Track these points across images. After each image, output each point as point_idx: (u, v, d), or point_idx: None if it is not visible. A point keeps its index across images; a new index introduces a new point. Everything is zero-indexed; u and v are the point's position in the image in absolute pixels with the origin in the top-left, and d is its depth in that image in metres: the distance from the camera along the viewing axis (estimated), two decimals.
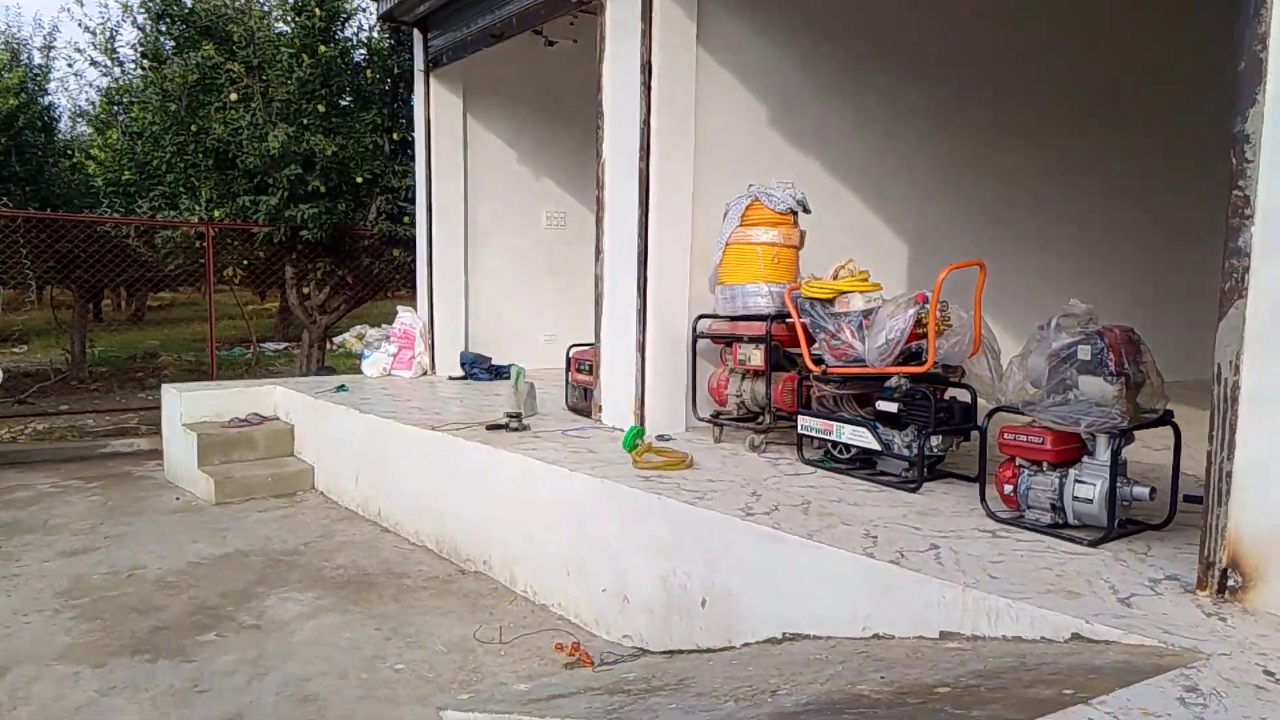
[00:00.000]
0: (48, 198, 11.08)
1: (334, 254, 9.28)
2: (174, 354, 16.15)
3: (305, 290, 10.18)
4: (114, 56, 9.36)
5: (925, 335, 3.86)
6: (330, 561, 5.10)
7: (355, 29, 9.82)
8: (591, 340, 5.73)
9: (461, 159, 7.81)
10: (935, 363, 3.81)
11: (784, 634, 3.21)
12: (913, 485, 3.86)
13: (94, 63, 9.70)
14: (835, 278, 4.23)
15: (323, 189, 8.49)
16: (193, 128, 8.24)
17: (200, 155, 8.30)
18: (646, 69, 4.89)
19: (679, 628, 3.64)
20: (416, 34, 7.64)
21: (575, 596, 4.19)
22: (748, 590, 3.37)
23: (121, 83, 9.33)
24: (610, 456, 4.54)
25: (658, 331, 5.05)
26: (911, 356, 3.95)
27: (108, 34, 9.18)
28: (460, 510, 5.01)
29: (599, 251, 5.39)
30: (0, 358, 13.89)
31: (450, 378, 7.75)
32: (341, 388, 7.01)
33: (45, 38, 15.92)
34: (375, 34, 9.31)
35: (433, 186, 7.69)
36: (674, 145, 5.01)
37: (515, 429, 5.24)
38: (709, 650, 3.48)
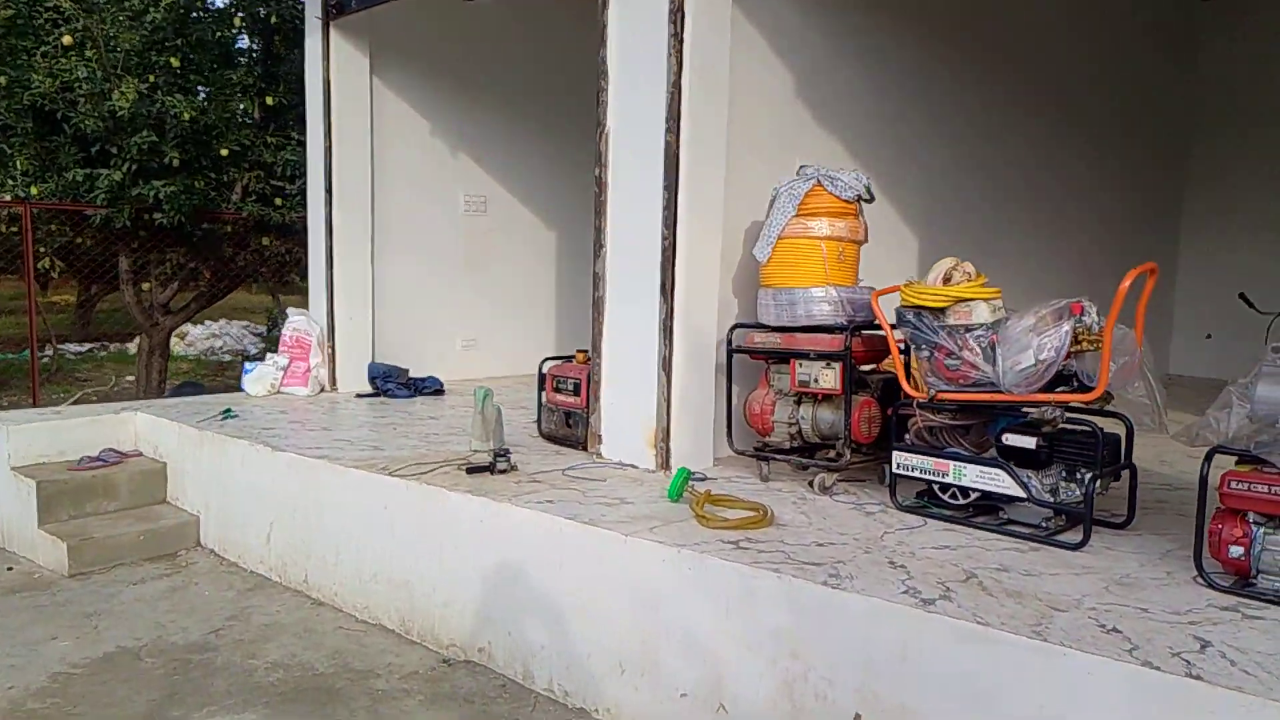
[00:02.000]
0: None
1: (187, 242, 7.62)
2: None
3: (145, 285, 8.40)
4: None
5: (1078, 354, 3.13)
6: (260, 658, 3.81)
7: None
8: (557, 353, 4.72)
9: (368, 130, 6.47)
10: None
11: None
12: (1075, 543, 3.12)
13: None
14: (946, 281, 3.43)
15: (178, 162, 6.87)
16: (1, 79, 6.41)
17: (13, 115, 6.48)
18: (678, 17, 3.89)
19: None
20: None
21: (636, 702, 3.19)
22: (940, 712, 2.50)
23: None
24: (656, 509, 3.56)
25: (686, 345, 4.08)
26: (1059, 380, 3.21)
27: None
28: (438, 581, 3.86)
29: (598, 245, 4.34)
30: None
31: (359, 395, 6.42)
32: (228, 412, 5.56)
33: None
34: None
35: (333, 162, 6.32)
36: (709, 114, 4.05)
37: (504, 469, 4.13)
38: None
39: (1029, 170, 6.48)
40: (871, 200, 3.99)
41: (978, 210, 5.97)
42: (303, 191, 7.61)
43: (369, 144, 6.48)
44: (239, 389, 6.43)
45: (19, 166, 6.65)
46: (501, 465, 4.13)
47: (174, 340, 17.16)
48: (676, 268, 4.01)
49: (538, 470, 4.21)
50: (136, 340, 8.66)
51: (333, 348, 6.48)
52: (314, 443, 4.84)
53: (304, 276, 8.99)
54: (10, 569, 4.86)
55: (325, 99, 6.26)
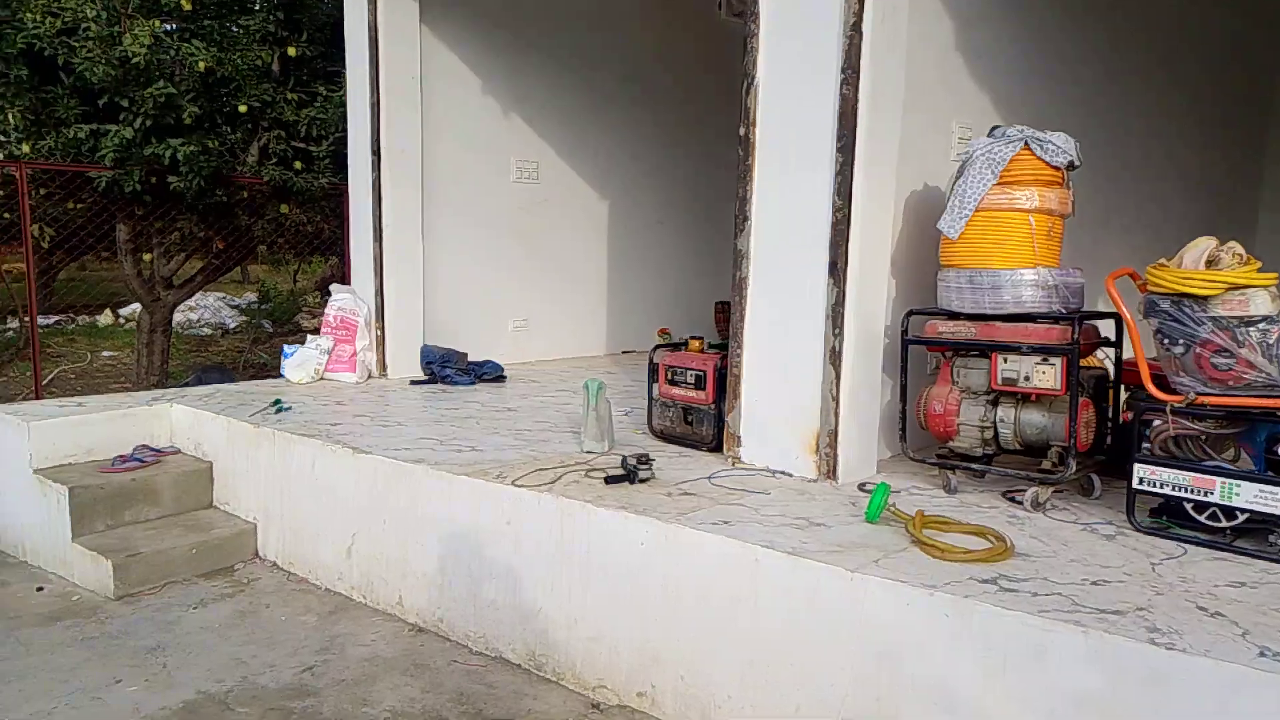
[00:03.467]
0: None
1: (198, 209, 6.84)
2: None
3: (146, 256, 7.61)
4: None
5: None
6: (374, 703, 3.22)
7: None
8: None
9: (418, 85, 5.76)
10: None
11: None
12: None
13: None
14: (1211, 264, 2.91)
15: (193, 119, 6.09)
16: None
17: (7, 62, 5.64)
18: None
19: None
20: None
21: None
22: None
23: None
24: (862, 535, 3.02)
25: (856, 334, 3.53)
26: None
27: None
28: (581, 611, 3.30)
29: (741, 218, 3.76)
30: None
31: (413, 381, 5.77)
32: (278, 403, 4.90)
33: None
34: None
35: (381, 120, 5.61)
36: (890, 63, 3.47)
37: (645, 479, 3.56)
38: None
39: (1160, 138, 6.00)
40: (1075, 168, 3.46)
41: (1119, 178, 5.48)
42: (332, 154, 6.88)
43: (419, 100, 5.77)
44: (278, 374, 5.74)
45: (11, 120, 5.83)
46: (644, 473, 3.55)
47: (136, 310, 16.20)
48: (850, 244, 3.44)
49: (678, 479, 3.65)
50: (141, 316, 7.86)
51: (382, 329, 5.81)
52: (394, 441, 4.21)
53: (323, 248, 8.27)
54: (41, 589, 4.18)
55: (372, 48, 5.53)
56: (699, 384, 4.13)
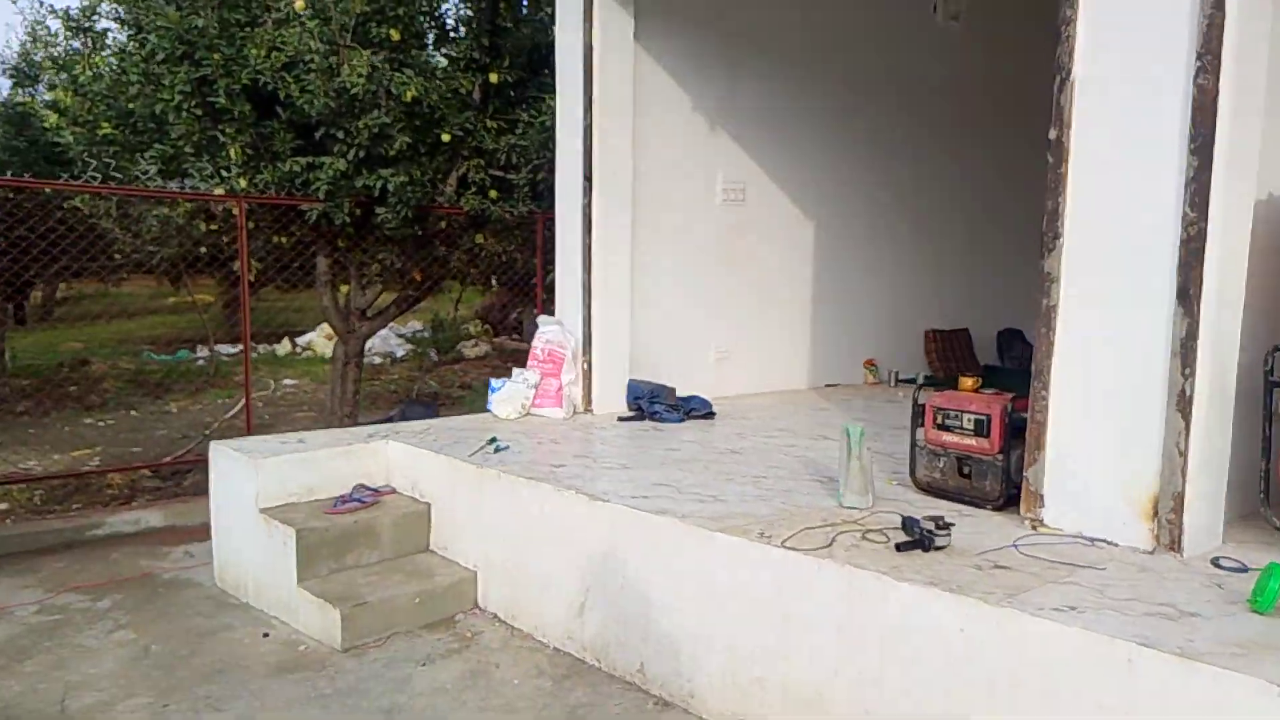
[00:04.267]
0: None
1: (399, 240, 6.80)
2: (105, 360, 13.19)
3: (344, 288, 7.66)
4: None
5: None
6: None
7: None
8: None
9: (630, 105, 5.48)
10: None
11: None
12: None
13: None
14: None
15: (404, 148, 6.03)
16: (216, 56, 5.66)
17: (230, 98, 5.73)
18: None
19: None
20: None
21: None
22: None
23: None
24: (1246, 630, 2.39)
25: (1211, 375, 2.89)
26: None
27: None
28: (877, 700, 2.78)
29: (1053, 234, 3.18)
30: None
31: (620, 418, 5.43)
32: (494, 441, 4.64)
33: None
34: None
35: (593, 144, 5.34)
36: (1255, 47, 2.85)
37: (942, 546, 3.02)
38: None
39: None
40: None
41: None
42: (530, 182, 6.71)
43: (631, 122, 5.48)
44: (487, 409, 5.52)
45: (233, 156, 5.93)
46: (941, 540, 3.02)
47: (321, 341, 16.84)
48: (1206, 265, 2.82)
49: (977, 546, 3.09)
50: (335, 348, 7.94)
51: (589, 362, 5.52)
52: (626, 487, 3.85)
53: (517, 279, 8.15)
54: (267, 635, 4.03)
55: (586, 69, 5.29)
56: (981, 430, 3.56)
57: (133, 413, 10.24)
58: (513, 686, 3.54)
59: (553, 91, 6.81)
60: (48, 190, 7.30)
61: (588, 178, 5.36)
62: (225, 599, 4.49)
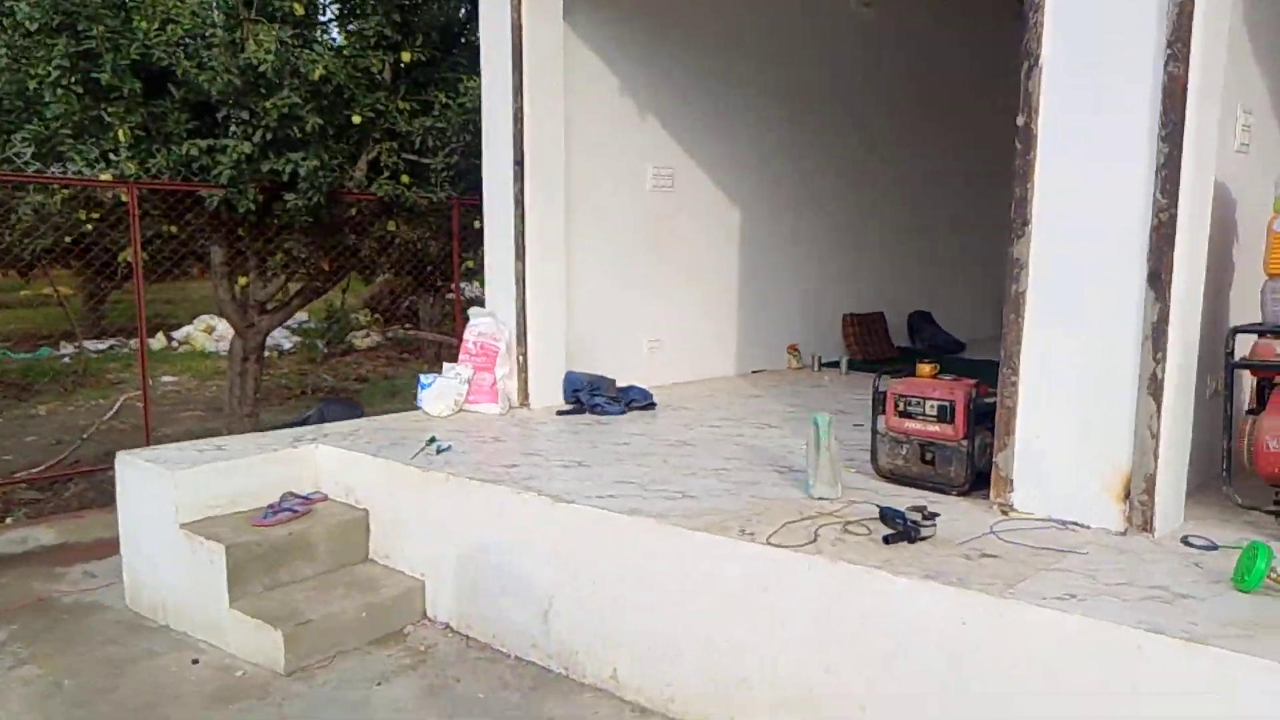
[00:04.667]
0: None
1: (305, 228, 6.38)
2: None
3: (242, 280, 7.16)
4: None
5: None
6: None
7: None
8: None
9: (561, 86, 5.27)
10: None
11: None
12: None
13: None
14: None
15: (313, 131, 5.64)
16: (99, 28, 5.13)
17: (117, 75, 5.21)
18: None
19: None
20: None
21: None
22: None
23: None
24: (1240, 610, 2.46)
25: (1180, 358, 2.96)
26: None
27: None
28: (869, 699, 2.74)
29: (1021, 220, 3.20)
30: None
31: (558, 412, 5.25)
32: (433, 441, 4.40)
33: None
34: None
35: (524, 127, 5.12)
36: (1217, 37, 2.92)
37: (928, 536, 3.01)
38: None
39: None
40: None
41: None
42: (447, 166, 6.41)
43: (562, 104, 5.28)
44: (416, 406, 5.24)
45: (121, 138, 5.40)
46: (926, 530, 3.00)
47: (200, 335, 15.86)
48: (1176, 250, 2.88)
49: (958, 534, 3.09)
50: (233, 342, 7.42)
51: (524, 354, 5.31)
52: (587, 486, 3.69)
53: (431, 268, 7.79)
54: (196, 661, 3.69)
55: (515, 47, 5.05)
56: (945, 416, 3.57)
57: None
58: (478, 701, 3.35)
59: (466, 71, 6.55)
60: None
61: (519, 162, 5.14)
62: (140, 623, 4.09)
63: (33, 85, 5.30)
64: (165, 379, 12.41)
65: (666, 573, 3.21)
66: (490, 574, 3.75)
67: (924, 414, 3.65)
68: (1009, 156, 3.21)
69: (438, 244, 7.18)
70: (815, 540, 3.01)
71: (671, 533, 3.19)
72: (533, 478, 3.82)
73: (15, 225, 6.49)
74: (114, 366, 12.93)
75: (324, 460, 4.41)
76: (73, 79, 5.27)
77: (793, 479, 3.81)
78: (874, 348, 7.61)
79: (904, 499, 3.51)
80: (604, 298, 5.80)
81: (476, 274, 8.45)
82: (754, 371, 6.90)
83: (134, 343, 14.74)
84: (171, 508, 3.91)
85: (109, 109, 5.41)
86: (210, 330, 15.88)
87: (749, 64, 6.50)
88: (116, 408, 9.44)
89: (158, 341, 15.09)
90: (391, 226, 6.82)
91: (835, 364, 7.11)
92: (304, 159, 5.44)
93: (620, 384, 5.58)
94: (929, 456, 3.65)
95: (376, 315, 16.88)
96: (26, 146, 5.42)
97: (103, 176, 5.52)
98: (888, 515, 3.14)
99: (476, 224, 7.33)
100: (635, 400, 5.37)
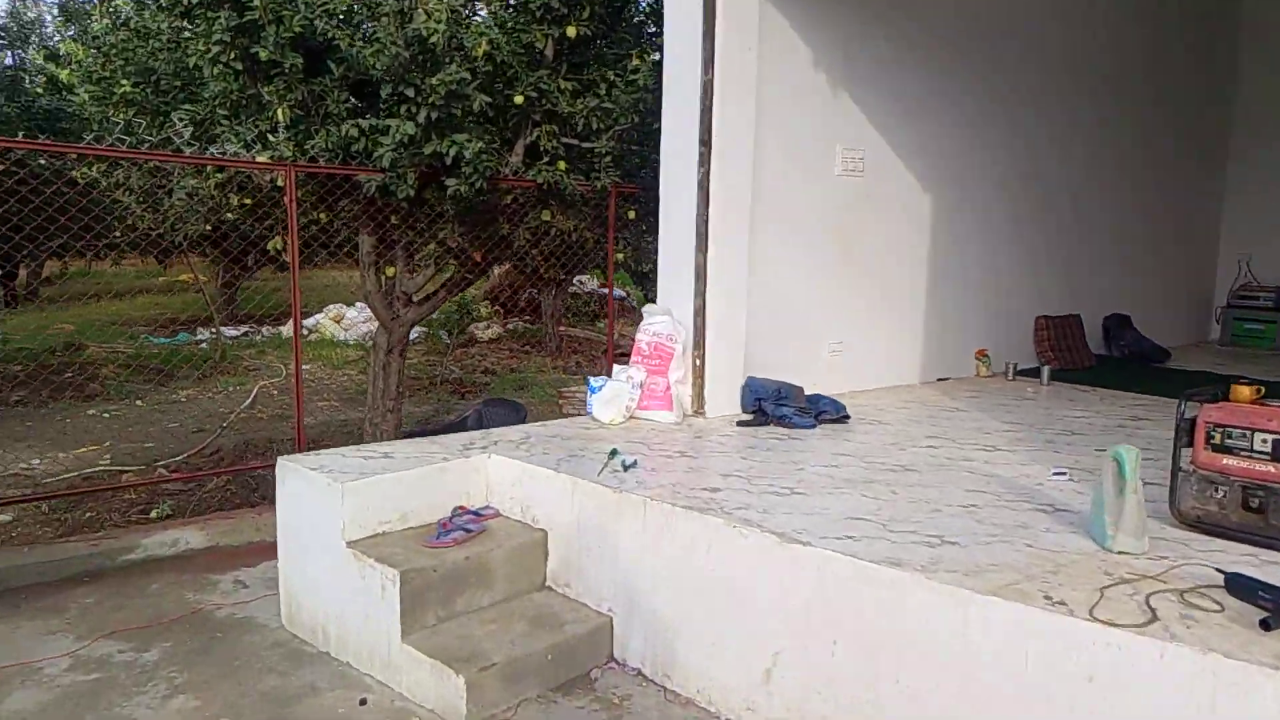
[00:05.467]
0: None
1: (461, 217, 5.98)
2: (100, 343, 12.27)
3: (389, 270, 6.84)
4: None
5: None
6: None
7: None
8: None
9: (755, 59, 4.68)
10: None
11: None
12: None
13: None
14: None
15: (481, 109, 5.21)
16: (261, 1, 4.81)
17: (280, 51, 4.88)
18: None
19: None
20: None
21: None
22: None
23: None
24: None
25: None
26: None
27: None
28: None
29: None
30: None
31: (738, 423, 4.68)
32: (615, 454, 3.89)
33: None
34: None
35: (713, 105, 4.55)
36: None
37: None
38: None
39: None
40: None
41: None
42: (612, 152, 5.91)
43: (755, 78, 4.69)
44: (583, 409, 4.76)
45: (281, 118, 5.10)
46: None
47: (329, 323, 15.96)
48: None
49: None
50: (378, 336, 7.13)
51: (700, 357, 4.76)
52: (810, 520, 3.11)
53: (585, 260, 7.33)
54: (364, 702, 3.27)
55: (707, 13, 4.48)
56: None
57: (138, 402, 9.43)
58: None
59: (631, 47, 6.03)
60: (72, 155, 6.43)
61: (705, 142, 4.57)
62: (299, 648, 3.72)
63: (191, 63, 5.03)
64: (303, 368, 12.44)
65: (933, 642, 2.59)
66: (696, 618, 3.20)
67: (1252, 450, 2.91)
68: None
69: (594, 235, 6.69)
70: (1155, 618, 2.34)
71: (944, 593, 2.56)
72: (746, 507, 3.26)
73: (169, 211, 6.32)
74: (249, 353, 13.07)
75: (496, 471, 3.95)
76: (232, 55, 4.97)
77: (1067, 523, 3.14)
78: (1070, 354, 6.77)
79: (1229, 556, 2.80)
80: (784, 296, 5.19)
81: (623, 266, 7.97)
82: (939, 379, 6.18)
83: (266, 329, 14.96)
84: (339, 523, 3.51)
85: (267, 87, 5.10)
86: (340, 319, 16.01)
87: (949, 41, 5.78)
88: (253, 396, 9.38)
89: (288, 329, 15.27)
90: (547, 216, 6.36)
91: (1033, 372, 6.32)
92: (469, 141, 5.01)
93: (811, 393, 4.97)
94: (1256, 503, 2.92)
95: (496, 307, 16.73)
96: (185, 127, 5.16)
97: (259, 159, 5.22)
98: (1240, 585, 2.44)
99: (631, 214, 6.85)
100: (825, 412, 4.75)
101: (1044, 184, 6.66)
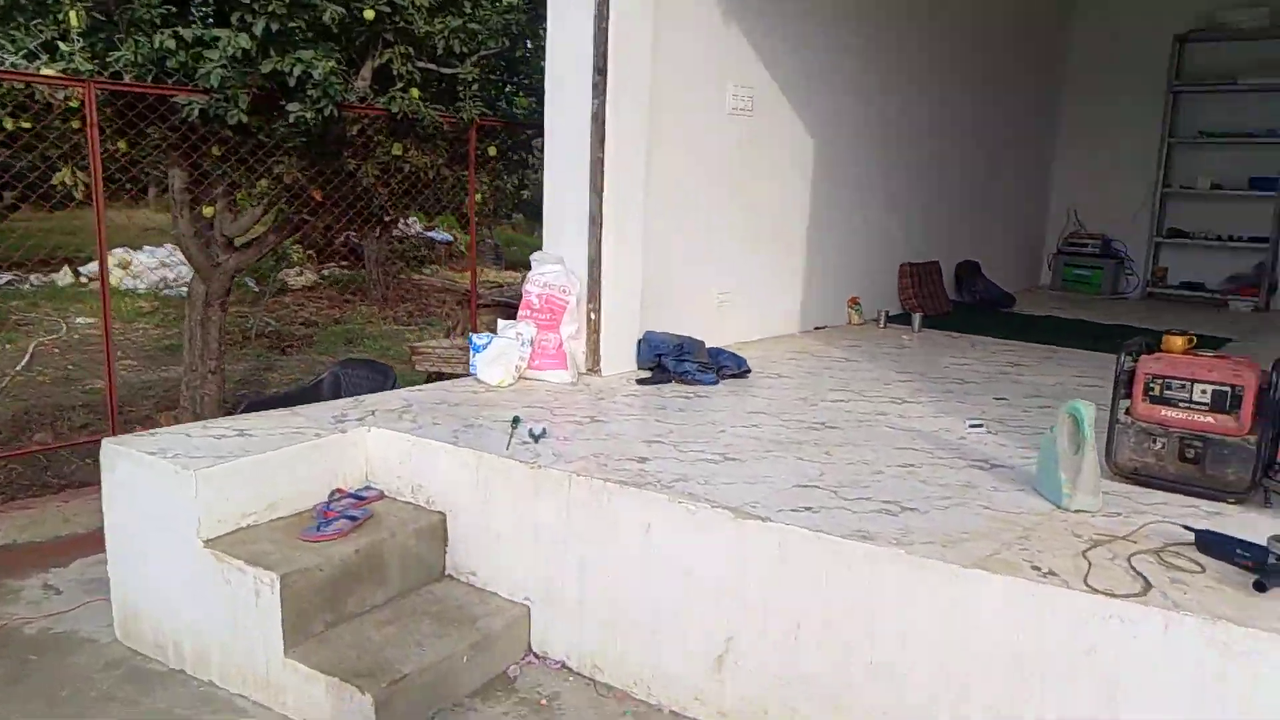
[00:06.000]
0: None
1: (307, 149, 5.21)
2: None
3: (208, 210, 5.94)
4: None
5: None
6: None
7: None
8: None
9: None
10: None
11: None
12: None
13: None
14: None
15: (335, 22, 4.49)
16: None
17: None
18: None
19: None
20: None
21: None
22: None
23: None
24: None
25: None
26: None
27: None
28: None
29: None
30: None
31: (638, 380, 4.35)
32: (517, 421, 3.46)
33: None
34: None
35: (609, 28, 4.09)
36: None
37: None
38: None
39: None
40: None
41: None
42: (487, 82, 5.32)
43: (653, 4, 4.26)
44: (466, 372, 4.26)
45: (73, 23, 4.16)
46: None
47: (114, 270, 14.16)
48: None
49: None
50: (192, 284, 6.22)
51: (595, 310, 4.36)
52: (757, 493, 2.84)
53: (442, 202, 6.63)
54: None
55: None
56: (1223, 406, 2.83)
57: None
58: None
59: None
60: None
61: (600, 70, 4.12)
62: (143, 666, 3.09)
63: None
64: (80, 320, 10.93)
65: (911, 619, 2.40)
66: (634, 604, 2.87)
67: (1190, 401, 2.89)
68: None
69: (451, 173, 6.06)
70: (1148, 584, 2.23)
71: (927, 569, 2.36)
72: (684, 478, 2.94)
73: None
74: (17, 305, 11.35)
75: (377, 447, 3.42)
76: None
77: (1010, 480, 3.04)
78: (932, 300, 6.89)
79: (1172, 508, 2.78)
80: (672, 241, 4.86)
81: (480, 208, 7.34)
82: (816, 328, 6.10)
83: (35, 277, 13.01)
84: (192, 520, 2.89)
85: None
86: (127, 265, 14.22)
87: None
88: (29, 355, 8.10)
89: (64, 277, 13.38)
90: (398, 150, 5.68)
91: (902, 319, 6.36)
92: (317, 59, 4.29)
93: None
94: (1191, 454, 2.91)
95: (309, 251, 15.39)
96: None
97: (46, 71, 4.27)
98: (1212, 542, 2.39)
99: (493, 150, 6.26)
100: (726, 367, 4.50)
101: (906, 132, 6.65)
